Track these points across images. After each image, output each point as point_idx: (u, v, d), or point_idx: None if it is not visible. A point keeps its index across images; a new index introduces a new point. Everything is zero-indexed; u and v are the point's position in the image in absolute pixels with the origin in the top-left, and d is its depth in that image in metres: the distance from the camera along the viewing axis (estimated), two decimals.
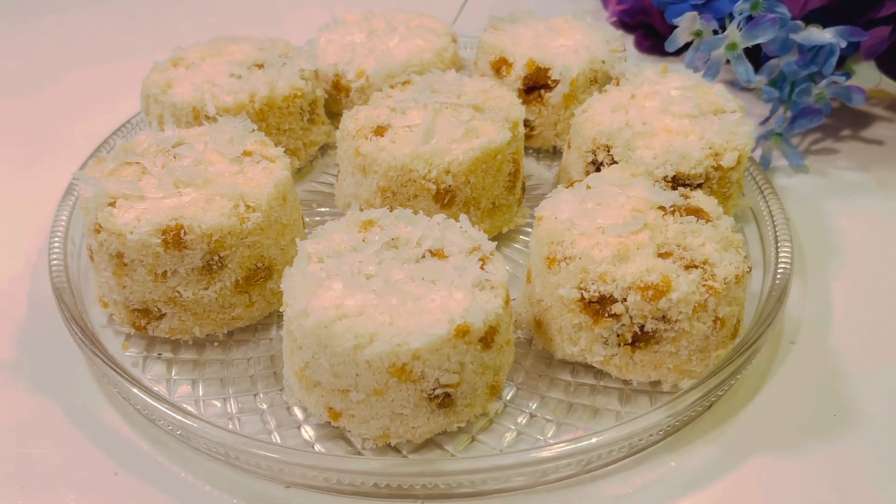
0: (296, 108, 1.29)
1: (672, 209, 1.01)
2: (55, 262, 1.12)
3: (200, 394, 1.00)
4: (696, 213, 1.01)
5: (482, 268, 0.93)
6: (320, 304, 0.87)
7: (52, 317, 1.09)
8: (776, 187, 1.29)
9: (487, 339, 0.89)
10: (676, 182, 1.13)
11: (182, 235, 0.95)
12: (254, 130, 1.12)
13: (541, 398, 1.00)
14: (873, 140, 1.53)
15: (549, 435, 0.95)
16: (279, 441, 0.94)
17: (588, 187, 1.05)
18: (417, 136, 1.12)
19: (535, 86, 1.36)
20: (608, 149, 1.17)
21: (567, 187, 1.07)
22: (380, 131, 1.15)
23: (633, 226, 0.97)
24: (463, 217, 1.00)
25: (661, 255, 0.95)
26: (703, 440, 0.97)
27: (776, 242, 1.18)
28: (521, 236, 1.26)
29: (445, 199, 1.13)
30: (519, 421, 0.97)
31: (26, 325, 1.12)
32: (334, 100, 1.44)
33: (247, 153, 1.07)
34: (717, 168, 1.14)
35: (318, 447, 0.93)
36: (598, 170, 1.18)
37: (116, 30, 2.03)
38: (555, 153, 1.43)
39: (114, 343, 1.06)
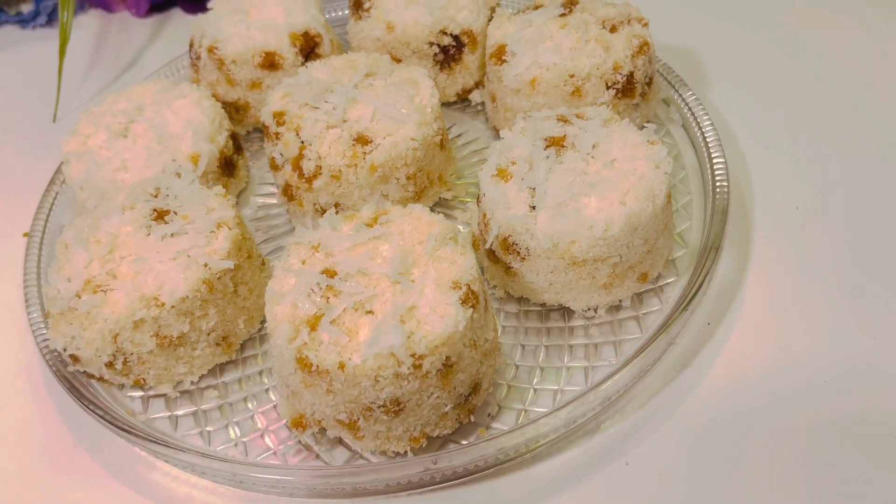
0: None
1: (568, 2, 1.30)
2: None
3: None
4: None
5: None
6: None
7: None
8: None
9: None
10: None
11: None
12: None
13: None
14: None
15: None
16: None
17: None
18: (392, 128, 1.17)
19: (309, 50, 1.39)
20: (443, 32, 1.35)
21: (500, 57, 1.26)
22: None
23: (583, 33, 1.24)
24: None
25: (613, 31, 1.26)
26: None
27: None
28: None
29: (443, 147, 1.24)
30: None
31: None
32: None
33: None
34: None
35: None
36: (445, 53, 1.37)
37: None
38: None
39: None
